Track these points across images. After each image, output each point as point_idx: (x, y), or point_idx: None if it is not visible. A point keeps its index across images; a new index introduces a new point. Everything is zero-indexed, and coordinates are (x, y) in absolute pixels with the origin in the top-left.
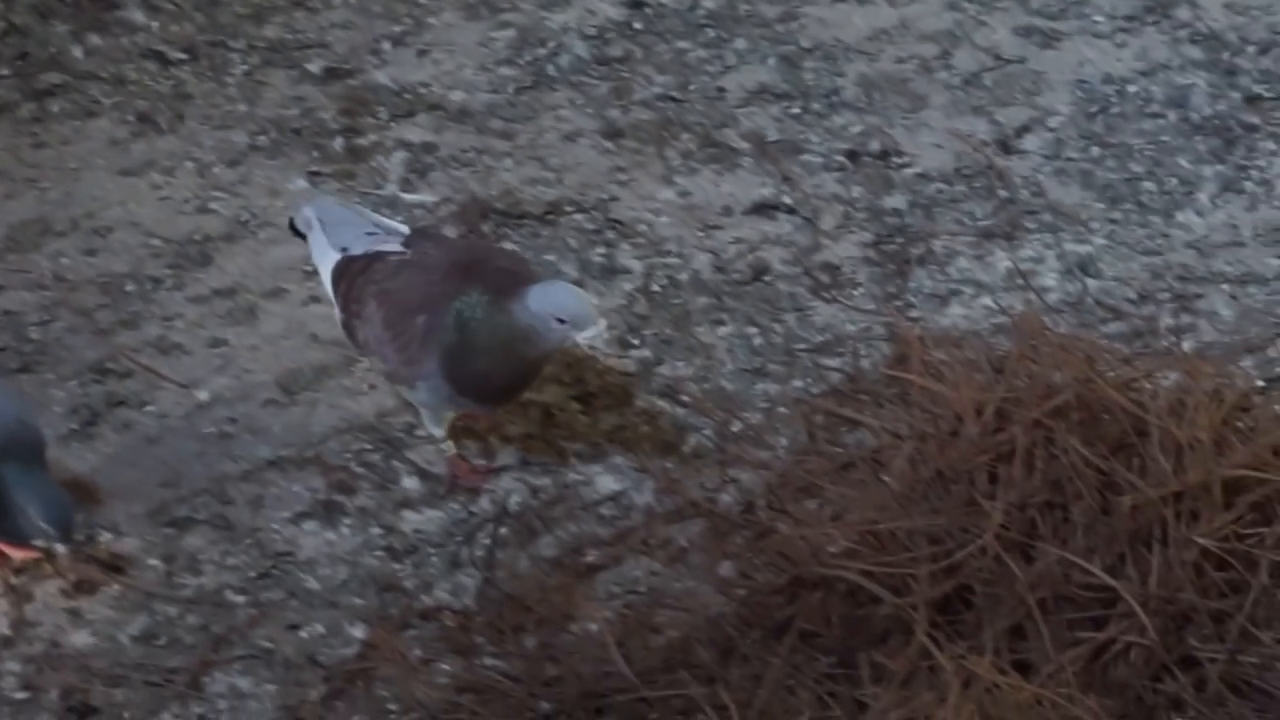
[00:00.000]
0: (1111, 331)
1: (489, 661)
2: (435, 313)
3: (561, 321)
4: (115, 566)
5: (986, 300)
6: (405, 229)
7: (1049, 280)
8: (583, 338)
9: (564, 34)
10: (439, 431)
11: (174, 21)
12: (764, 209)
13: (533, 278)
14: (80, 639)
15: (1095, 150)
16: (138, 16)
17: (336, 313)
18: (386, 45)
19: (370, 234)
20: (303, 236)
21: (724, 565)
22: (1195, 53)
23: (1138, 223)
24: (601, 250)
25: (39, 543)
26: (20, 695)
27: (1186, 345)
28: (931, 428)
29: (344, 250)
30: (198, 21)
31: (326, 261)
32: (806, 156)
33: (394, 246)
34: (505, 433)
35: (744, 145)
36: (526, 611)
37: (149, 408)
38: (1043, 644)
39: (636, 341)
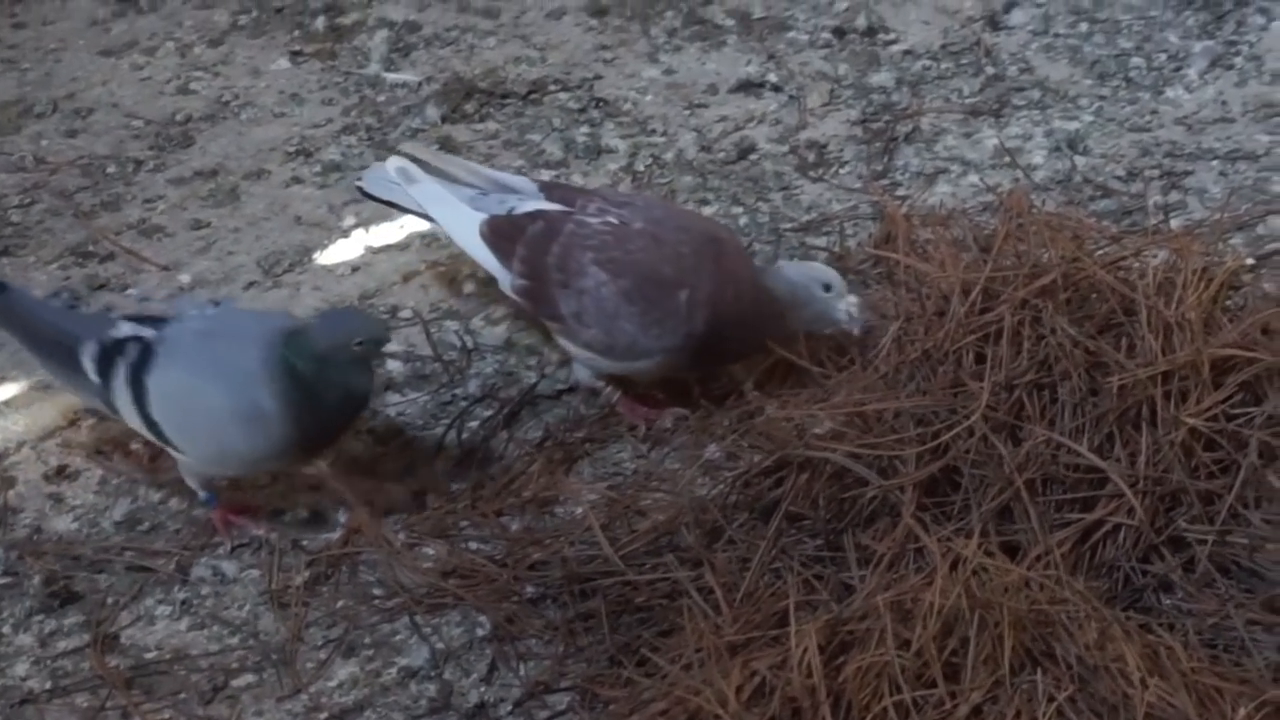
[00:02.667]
0: (1100, 209)
1: (473, 545)
2: (697, 290)
3: (827, 289)
4: (98, 450)
5: (974, 178)
6: (511, 179)
7: (1037, 158)
8: (845, 305)
9: None
10: (600, 383)
11: None
12: (749, 87)
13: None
14: (63, 524)
15: (1084, 26)
16: None
17: (510, 277)
18: None
19: (485, 189)
20: (375, 200)
21: (710, 448)
22: None
23: (1126, 99)
24: (586, 130)
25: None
26: (2, 581)
27: (1175, 223)
28: (918, 307)
29: (474, 203)
30: None
31: (460, 214)
32: (792, 34)
33: (539, 204)
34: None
35: (729, 22)
36: (512, 494)
37: (131, 291)
38: (1030, 526)
39: None
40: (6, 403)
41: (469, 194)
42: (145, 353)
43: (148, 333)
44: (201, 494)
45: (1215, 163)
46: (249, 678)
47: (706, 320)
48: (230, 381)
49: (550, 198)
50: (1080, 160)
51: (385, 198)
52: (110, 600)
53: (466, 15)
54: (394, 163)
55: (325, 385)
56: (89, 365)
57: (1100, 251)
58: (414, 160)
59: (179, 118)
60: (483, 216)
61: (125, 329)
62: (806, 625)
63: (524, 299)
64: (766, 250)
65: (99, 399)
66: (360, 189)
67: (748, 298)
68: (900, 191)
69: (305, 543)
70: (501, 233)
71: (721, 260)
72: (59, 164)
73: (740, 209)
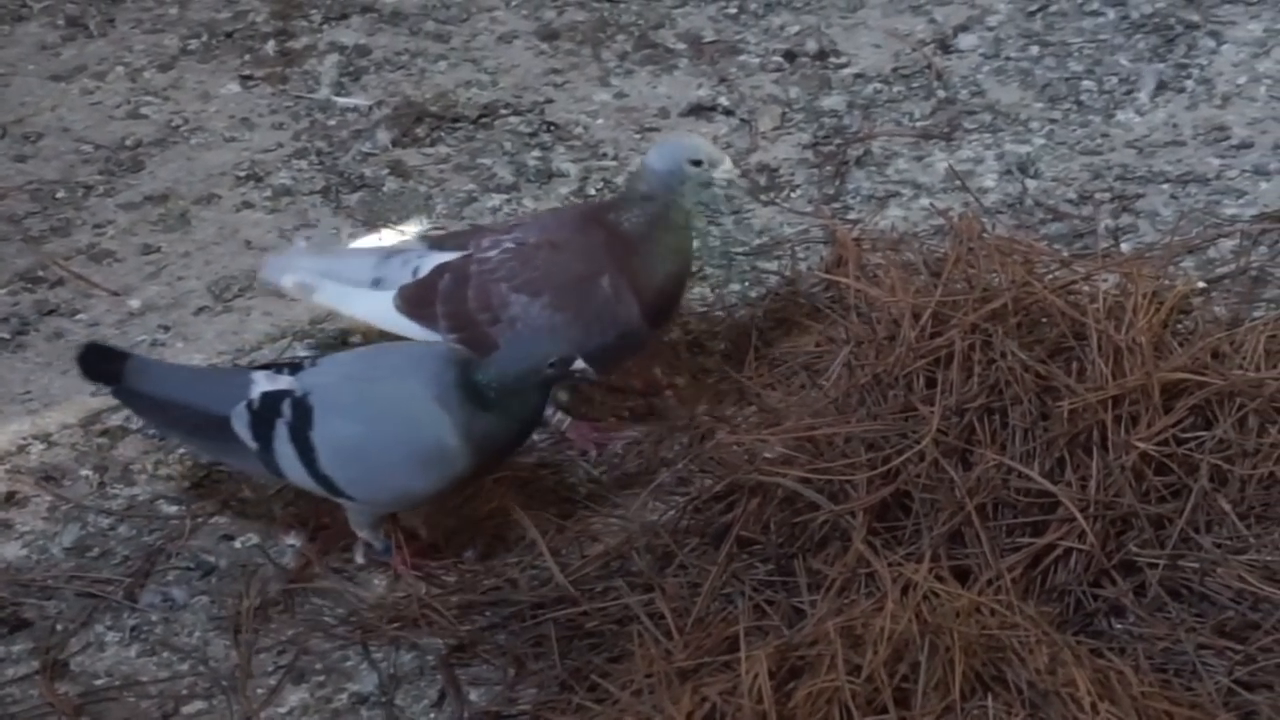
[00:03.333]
0: (1051, 232)
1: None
2: (610, 270)
3: (696, 164)
4: (47, 476)
5: (925, 201)
6: (406, 251)
7: (988, 181)
8: (720, 174)
9: None
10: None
11: None
12: (701, 110)
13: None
14: (11, 551)
15: (1034, 49)
16: None
17: (441, 338)
18: None
19: (379, 260)
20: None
21: (661, 473)
22: None
23: (1077, 122)
24: (537, 153)
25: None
26: None
27: (1126, 246)
28: (868, 331)
29: (377, 282)
30: None
31: (369, 300)
32: (743, 57)
33: (444, 256)
34: None
35: (680, 46)
36: (463, 520)
37: (80, 316)
38: (981, 550)
39: None
40: None
41: (368, 273)
42: (300, 408)
43: (288, 382)
44: (378, 545)
45: (1166, 186)
46: (199, 704)
47: (632, 289)
48: (406, 424)
49: (443, 248)
50: (1031, 183)
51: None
52: (59, 627)
53: (417, 39)
54: (288, 279)
55: (508, 411)
56: (245, 433)
57: (1051, 275)
58: (304, 268)
59: (129, 142)
60: (391, 293)
61: (262, 382)
62: (757, 651)
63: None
64: (718, 275)
65: (256, 463)
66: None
67: (643, 238)
68: (851, 215)
69: (255, 568)
70: (415, 300)
71: (600, 226)
72: (8, 189)
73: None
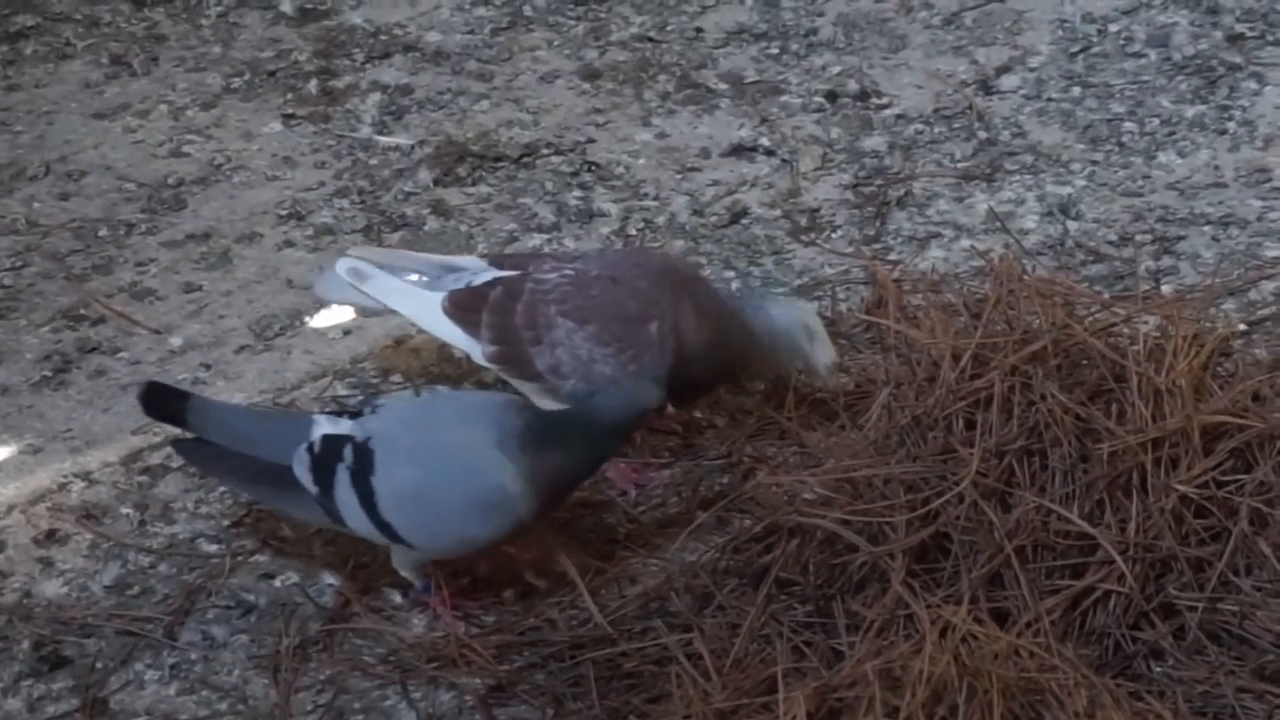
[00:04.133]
0: (1092, 274)
1: (464, 611)
2: (664, 320)
3: (811, 340)
4: (88, 514)
5: (965, 242)
6: (459, 260)
7: (1029, 222)
8: (823, 359)
9: None
10: None
11: None
12: (742, 151)
13: (733, 295)
14: (52, 589)
15: (1076, 90)
16: None
17: (481, 346)
18: None
19: (438, 267)
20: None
21: (700, 513)
22: None
23: (1119, 164)
24: (578, 193)
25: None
26: None
27: (1167, 288)
28: (908, 373)
29: (429, 284)
30: None
31: (419, 299)
32: (785, 98)
33: (502, 272)
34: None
35: (722, 86)
36: (502, 559)
37: (122, 354)
38: (1020, 592)
39: None
40: None
41: (423, 280)
42: (361, 454)
43: (349, 426)
44: (418, 583)
45: (1207, 228)
46: None
47: (674, 350)
48: (467, 470)
49: (502, 267)
50: (1072, 225)
51: (342, 300)
52: (99, 665)
53: (459, 79)
54: (343, 264)
55: (578, 452)
56: (305, 477)
57: (1091, 317)
58: (362, 259)
59: (171, 181)
60: (442, 294)
61: (324, 424)
62: (795, 692)
63: (498, 365)
64: None
65: (317, 509)
66: (317, 296)
67: (713, 325)
68: (892, 256)
69: (296, 607)
70: (463, 305)
71: (681, 287)
72: (51, 227)
73: (732, 273)
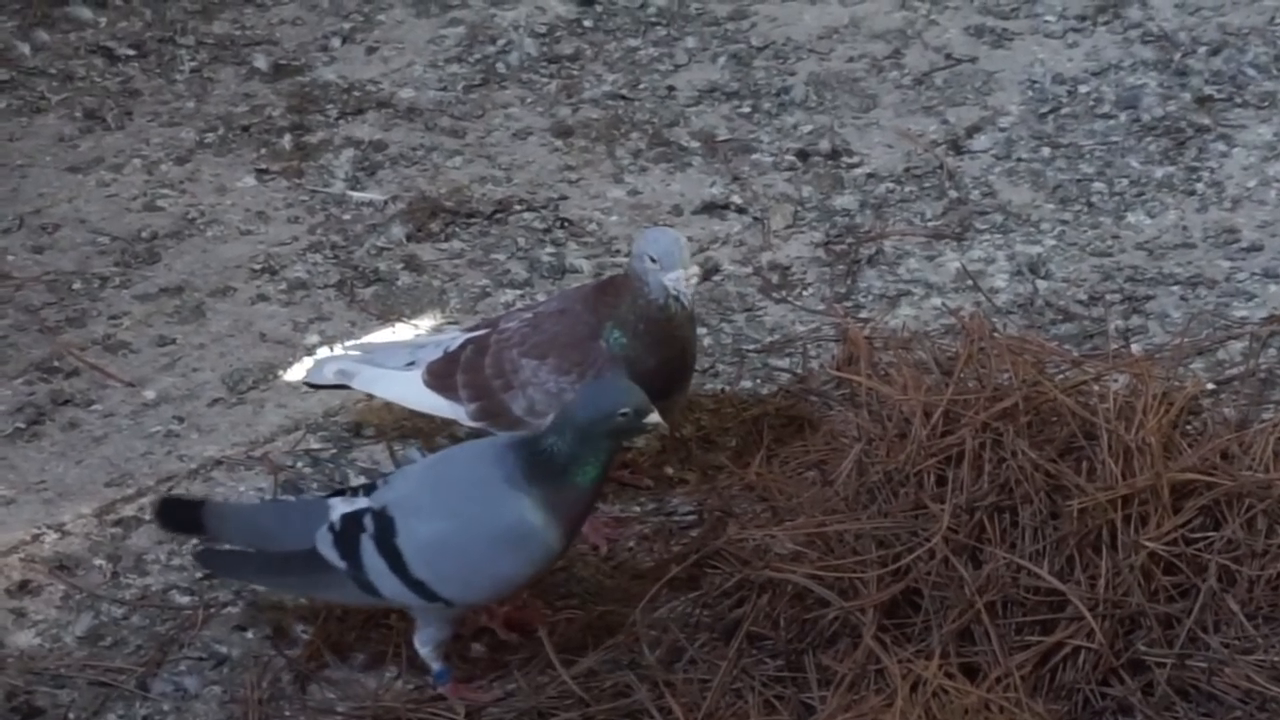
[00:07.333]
0: (1061, 333)
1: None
2: (601, 334)
3: (653, 260)
4: (61, 565)
5: (936, 300)
6: (442, 336)
7: (999, 281)
8: (669, 279)
9: (514, 31)
10: None
11: (122, 18)
12: (714, 208)
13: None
14: (25, 639)
15: (1046, 150)
16: (85, 13)
17: (464, 408)
18: (335, 42)
19: (414, 346)
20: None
21: (672, 567)
22: (1146, 53)
23: (1088, 223)
24: (551, 249)
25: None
26: None
27: (1136, 347)
28: (879, 429)
29: (411, 364)
30: (146, 17)
31: (402, 380)
32: (756, 156)
33: (463, 337)
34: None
35: (694, 144)
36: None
37: (95, 406)
38: (991, 648)
39: None
40: None
41: (403, 357)
42: (381, 520)
43: (364, 501)
44: (435, 667)
45: (1176, 288)
46: None
47: (623, 356)
48: (487, 512)
49: (474, 329)
50: (1042, 284)
51: (334, 384)
52: (72, 715)
53: (432, 135)
54: (330, 367)
55: (578, 472)
56: (331, 554)
57: (1061, 375)
58: (346, 357)
59: (145, 234)
60: (420, 371)
61: (340, 506)
62: None
63: (483, 421)
64: (729, 372)
65: (349, 585)
66: (308, 383)
67: (628, 289)
68: (863, 313)
69: (267, 659)
70: (439, 372)
71: (599, 291)
72: (25, 279)
73: (704, 330)
